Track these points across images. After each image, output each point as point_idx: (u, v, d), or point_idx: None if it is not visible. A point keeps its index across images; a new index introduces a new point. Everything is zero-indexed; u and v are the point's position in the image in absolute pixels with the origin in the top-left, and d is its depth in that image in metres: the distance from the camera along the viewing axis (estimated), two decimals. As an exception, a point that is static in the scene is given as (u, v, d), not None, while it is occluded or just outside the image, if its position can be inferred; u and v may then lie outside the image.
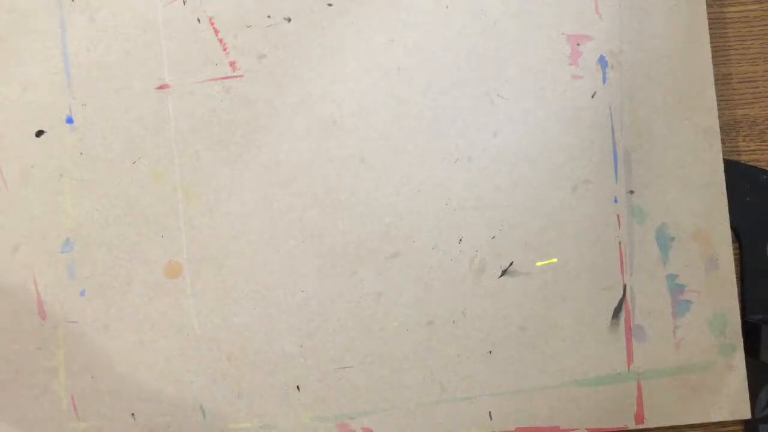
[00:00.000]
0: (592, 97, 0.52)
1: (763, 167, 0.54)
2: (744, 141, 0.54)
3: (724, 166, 0.52)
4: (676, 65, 0.52)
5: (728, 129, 0.54)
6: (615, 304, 0.52)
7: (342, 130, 0.52)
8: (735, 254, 0.52)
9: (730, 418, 0.52)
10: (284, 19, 0.52)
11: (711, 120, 0.52)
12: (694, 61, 0.52)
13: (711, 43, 0.52)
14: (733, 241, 0.52)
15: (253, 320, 0.51)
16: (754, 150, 0.54)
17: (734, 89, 0.54)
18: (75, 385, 0.51)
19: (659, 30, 0.52)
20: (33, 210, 0.52)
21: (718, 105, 0.52)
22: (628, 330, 0.52)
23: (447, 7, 0.52)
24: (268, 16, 0.52)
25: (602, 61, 0.52)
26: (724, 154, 0.52)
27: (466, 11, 0.52)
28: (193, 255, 0.52)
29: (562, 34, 0.52)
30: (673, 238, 0.52)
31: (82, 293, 0.51)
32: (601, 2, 0.52)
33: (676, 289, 0.52)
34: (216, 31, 0.52)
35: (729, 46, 0.54)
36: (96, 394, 0.51)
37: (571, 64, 0.52)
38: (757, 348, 0.52)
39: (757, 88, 0.54)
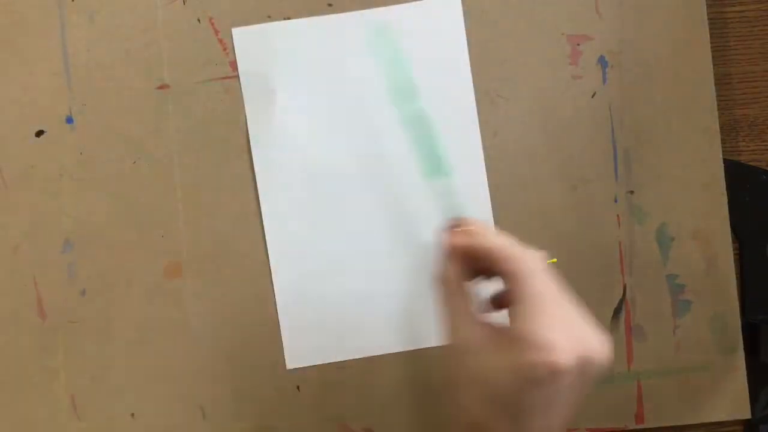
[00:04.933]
0: (592, 97, 0.52)
1: (763, 167, 0.54)
2: (744, 141, 0.54)
3: (724, 166, 0.52)
4: (676, 65, 0.52)
5: (728, 129, 0.54)
6: (615, 304, 0.52)
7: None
8: (735, 254, 0.52)
9: (730, 418, 0.52)
10: (284, 19, 0.52)
11: (711, 120, 0.52)
12: (694, 61, 0.52)
13: (711, 43, 0.52)
14: (733, 241, 0.52)
15: (252, 320, 0.51)
16: (754, 150, 0.54)
17: (734, 89, 0.54)
18: (75, 385, 0.51)
19: (659, 30, 0.52)
20: (33, 210, 0.52)
21: (718, 105, 0.52)
22: (628, 330, 0.52)
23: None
24: (269, 16, 0.52)
25: (602, 61, 0.52)
26: (724, 154, 0.52)
27: (466, 11, 0.52)
28: (193, 255, 0.52)
29: (562, 34, 0.52)
30: (673, 238, 0.52)
31: (82, 293, 0.51)
32: (601, 2, 0.52)
33: (676, 289, 0.52)
34: (216, 31, 0.52)
35: (729, 46, 0.54)
36: (96, 394, 0.51)
37: (571, 64, 0.52)
38: (757, 348, 0.52)
39: (757, 88, 0.54)
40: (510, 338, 0.39)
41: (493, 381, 0.39)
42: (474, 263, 0.41)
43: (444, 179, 0.49)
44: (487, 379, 0.39)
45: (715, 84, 0.52)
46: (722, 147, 0.52)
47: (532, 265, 0.39)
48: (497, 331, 0.40)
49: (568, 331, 0.38)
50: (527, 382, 0.38)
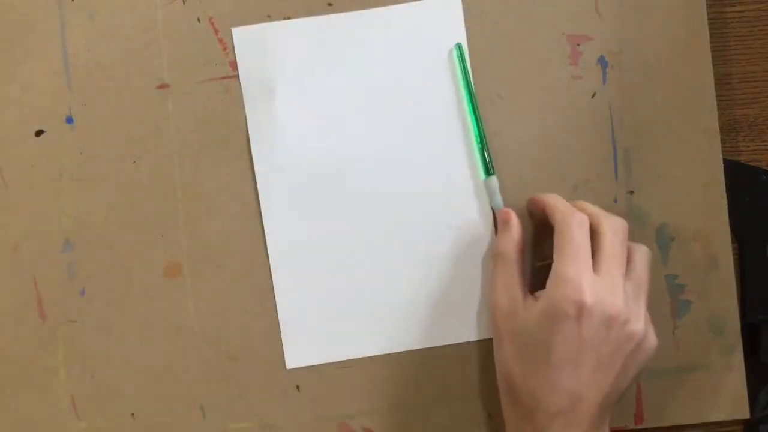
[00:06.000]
0: (592, 97, 0.52)
1: (763, 167, 0.54)
2: (744, 141, 0.54)
3: (724, 166, 0.52)
4: (676, 65, 0.52)
5: (728, 129, 0.54)
6: (615, 304, 0.52)
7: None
8: (735, 254, 0.52)
9: (730, 418, 0.52)
10: (284, 19, 0.52)
11: (711, 120, 0.52)
12: (694, 61, 0.52)
13: (711, 43, 0.52)
14: (733, 241, 0.52)
15: (252, 320, 0.51)
16: (754, 150, 0.54)
17: (734, 89, 0.54)
18: (75, 385, 0.51)
19: (659, 30, 0.52)
20: (33, 210, 0.52)
21: (718, 105, 0.52)
22: (628, 330, 0.52)
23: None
24: (269, 16, 0.52)
25: (602, 61, 0.52)
26: (724, 154, 0.52)
27: (466, 11, 0.52)
28: (193, 255, 0.52)
29: (562, 34, 0.52)
30: (673, 238, 0.52)
31: (82, 293, 0.51)
32: (601, 2, 0.52)
33: (676, 289, 0.52)
34: (216, 31, 0.52)
35: (729, 46, 0.54)
36: (96, 394, 0.51)
37: (571, 64, 0.52)
38: (757, 348, 0.52)
39: (757, 88, 0.54)
40: (545, 291, 0.44)
41: (523, 329, 0.44)
42: (533, 217, 0.49)
43: (492, 177, 0.51)
44: (518, 331, 0.45)
45: (715, 84, 0.52)
46: (722, 147, 0.52)
47: (579, 220, 0.44)
48: (535, 295, 0.45)
49: (598, 285, 0.42)
50: (554, 317, 0.42)
